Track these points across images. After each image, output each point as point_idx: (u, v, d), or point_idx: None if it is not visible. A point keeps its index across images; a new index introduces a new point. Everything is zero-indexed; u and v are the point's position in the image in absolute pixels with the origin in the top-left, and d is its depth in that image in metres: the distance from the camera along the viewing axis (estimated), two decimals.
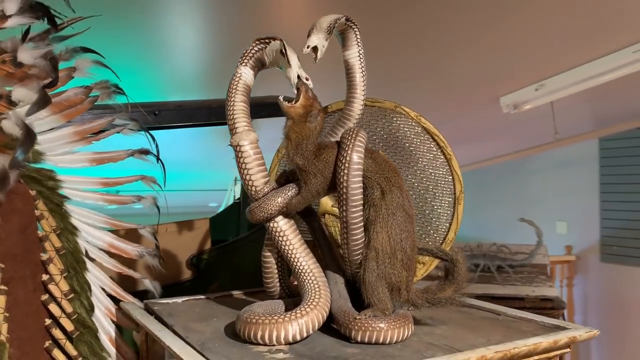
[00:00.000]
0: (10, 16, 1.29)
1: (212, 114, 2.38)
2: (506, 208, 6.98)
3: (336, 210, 1.69)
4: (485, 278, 3.39)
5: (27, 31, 1.37)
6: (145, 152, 1.82)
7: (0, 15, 1.28)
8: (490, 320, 1.50)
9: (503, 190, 7.18)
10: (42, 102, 1.10)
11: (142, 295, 1.81)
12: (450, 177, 1.66)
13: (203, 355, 1.19)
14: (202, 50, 3.70)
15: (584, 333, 1.36)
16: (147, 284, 1.80)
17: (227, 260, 2.36)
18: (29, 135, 1.03)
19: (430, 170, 1.66)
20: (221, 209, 5.74)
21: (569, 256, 6.12)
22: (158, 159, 1.83)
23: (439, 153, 1.66)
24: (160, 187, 1.83)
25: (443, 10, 2.89)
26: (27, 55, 1.18)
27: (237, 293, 1.79)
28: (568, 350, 1.37)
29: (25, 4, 1.29)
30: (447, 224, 1.67)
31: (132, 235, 1.86)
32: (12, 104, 1.13)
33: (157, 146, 1.83)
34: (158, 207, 1.83)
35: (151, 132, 1.86)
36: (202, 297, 1.75)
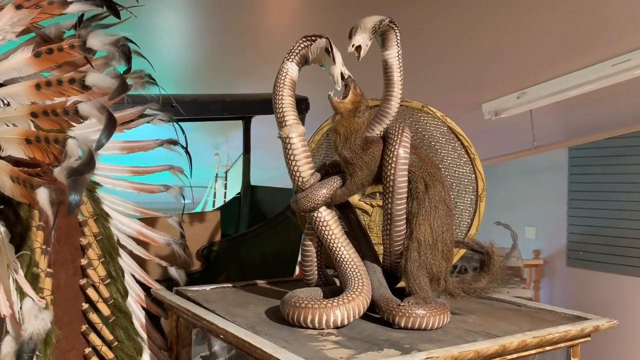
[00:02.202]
0: (71, 2, 1.31)
1: (226, 108, 2.42)
2: None
3: (363, 204, 1.76)
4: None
5: (82, 17, 1.40)
6: (174, 142, 1.85)
7: (61, 1, 1.31)
8: (514, 311, 1.58)
9: None
10: (122, 88, 1.13)
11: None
12: (474, 176, 1.75)
13: (261, 337, 1.24)
14: (192, 47, 3.72)
15: (605, 322, 1.46)
16: (173, 272, 1.83)
17: (236, 252, 2.40)
18: (111, 120, 1.06)
19: (454, 169, 1.75)
20: (200, 206, 5.75)
21: (537, 260, 6.34)
22: (186, 150, 1.86)
23: (463, 152, 1.75)
24: (187, 177, 1.87)
25: (431, 18, 2.99)
26: (97, 41, 1.20)
27: (261, 282, 1.84)
28: (589, 338, 1.47)
29: None
30: (469, 220, 1.75)
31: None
32: (84, 88, 1.15)
33: (185, 137, 1.87)
34: (184, 197, 1.87)
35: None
36: (229, 285, 1.79)
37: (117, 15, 1.34)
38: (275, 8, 3.15)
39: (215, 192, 5.59)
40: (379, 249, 1.54)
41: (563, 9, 2.91)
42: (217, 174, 5.54)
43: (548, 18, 3.01)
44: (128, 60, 1.33)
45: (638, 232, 5.50)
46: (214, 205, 5.30)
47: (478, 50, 3.48)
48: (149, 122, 1.82)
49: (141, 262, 1.81)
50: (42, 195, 1.04)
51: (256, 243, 2.43)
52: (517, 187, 6.73)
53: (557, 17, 3.01)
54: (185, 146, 1.86)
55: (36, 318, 1.16)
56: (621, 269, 5.65)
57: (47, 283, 1.40)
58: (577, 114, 4.77)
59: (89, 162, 1.02)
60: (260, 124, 2.97)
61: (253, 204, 2.96)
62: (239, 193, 3.03)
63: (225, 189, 5.34)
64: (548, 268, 6.35)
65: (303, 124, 2.58)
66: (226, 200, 4.13)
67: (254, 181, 3.02)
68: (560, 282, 6.23)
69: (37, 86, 1.19)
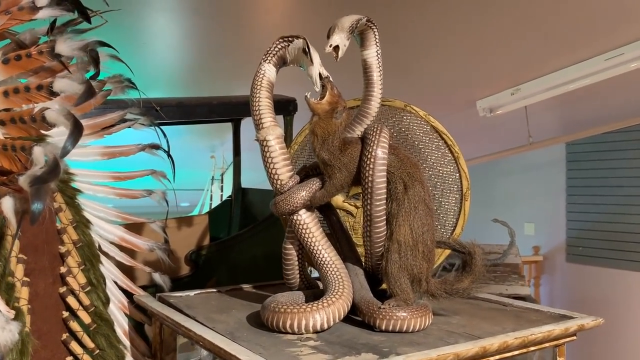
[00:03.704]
0: (41, 8, 1.29)
1: (212, 111, 2.40)
2: (475, 209, 7.11)
3: (348, 205, 1.74)
4: None
5: (54, 23, 1.38)
6: (156, 147, 1.83)
7: (30, 6, 1.29)
8: (499, 311, 1.56)
9: (472, 192, 7.31)
10: (88, 93, 1.11)
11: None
12: (458, 175, 1.73)
13: (237, 344, 1.22)
14: (183, 50, 3.70)
15: (590, 321, 1.44)
16: (157, 278, 1.81)
17: (225, 256, 2.38)
18: (77, 126, 1.05)
19: (438, 168, 1.73)
20: (197, 209, 5.74)
21: (536, 256, 6.31)
22: (168, 154, 1.85)
23: (446, 151, 1.73)
24: (170, 181, 1.85)
25: (423, 15, 2.96)
26: (66, 46, 1.19)
27: (247, 286, 1.82)
28: (575, 338, 1.45)
29: None
30: (454, 219, 1.73)
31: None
32: (53, 94, 1.14)
33: (167, 141, 1.85)
34: (167, 202, 1.85)
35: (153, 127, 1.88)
36: (214, 290, 1.77)
37: (88, 20, 1.32)
38: (267, 8, 3.13)
39: (211, 195, 5.58)
40: (363, 251, 1.52)
41: (554, 4, 2.89)
42: (213, 177, 5.54)
43: (539, 14, 2.99)
44: (96, 64, 1.31)
45: (637, 226, 5.47)
46: (210, 208, 5.29)
47: (471, 47, 3.46)
48: (130, 127, 1.80)
49: (127, 269, 1.79)
50: (7, 204, 1.03)
51: (246, 246, 2.42)
52: (515, 183, 6.71)
53: (549, 13, 2.99)
54: (167, 150, 1.84)
55: (3, 329, 1.15)
56: (621, 264, 5.62)
57: (23, 292, 1.38)
58: (572, 109, 4.74)
59: (53, 170, 1.00)
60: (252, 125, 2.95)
61: (244, 207, 2.94)
62: (229, 196, 3.01)
63: (222, 191, 5.33)
64: (548, 264, 6.32)
65: (292, 125, 2.59)
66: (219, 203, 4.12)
67: (248, 183, 3.00)
68: (560, 278, 6.21)
69: (5, 93, 1.18)
